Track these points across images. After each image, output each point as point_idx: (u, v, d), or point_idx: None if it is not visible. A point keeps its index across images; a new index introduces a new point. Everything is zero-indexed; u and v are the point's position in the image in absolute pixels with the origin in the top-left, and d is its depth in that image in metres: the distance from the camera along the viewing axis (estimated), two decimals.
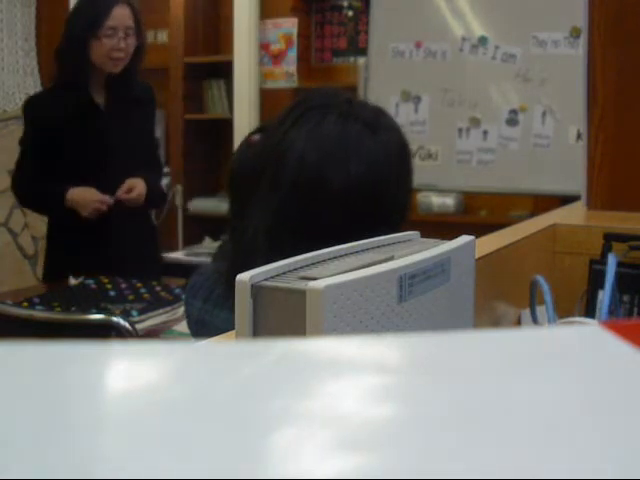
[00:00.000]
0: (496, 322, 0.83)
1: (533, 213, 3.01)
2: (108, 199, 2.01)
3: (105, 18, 2.00)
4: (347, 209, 0.89)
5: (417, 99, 2.92)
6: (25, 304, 1.71)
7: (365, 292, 0.41)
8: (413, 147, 2.93)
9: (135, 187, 2.03)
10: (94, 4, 2.05)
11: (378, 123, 0.95)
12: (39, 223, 2.79)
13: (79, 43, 2.00)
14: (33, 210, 2.32)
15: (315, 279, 0.40)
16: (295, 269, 0.44)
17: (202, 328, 1.00)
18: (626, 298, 0.88)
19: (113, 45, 2.01)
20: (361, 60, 3.49)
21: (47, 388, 0.17)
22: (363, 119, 0.93)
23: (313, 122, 0.91)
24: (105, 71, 2.04)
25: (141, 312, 1.69)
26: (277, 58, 4.23)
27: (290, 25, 4.19)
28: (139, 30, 2.09)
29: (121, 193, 2.02)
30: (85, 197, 2.01)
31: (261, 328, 0.42)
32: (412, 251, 0.48)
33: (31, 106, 2.12)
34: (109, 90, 2.08)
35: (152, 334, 1.64)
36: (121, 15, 2.03)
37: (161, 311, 1.72)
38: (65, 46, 2.05)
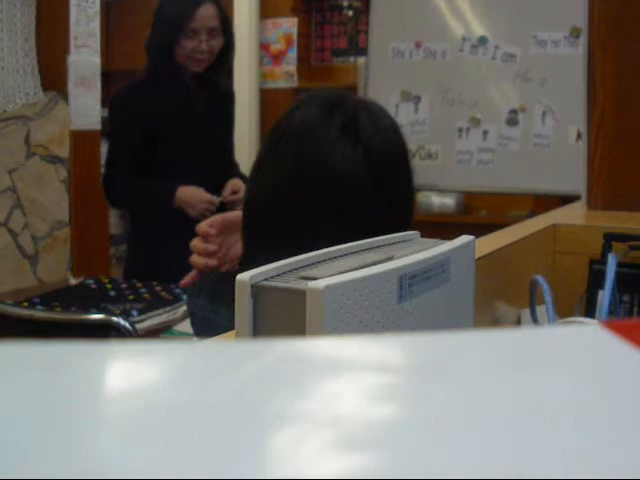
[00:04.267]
0: (496, 322, 0.83)
1: (533, 213, 3.01)
2: (215, 200, 1.93)
3: (187, 21, 1.92)
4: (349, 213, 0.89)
5: (417, 99, 2.92)
6: (25, 304, 1.71)
7: (365, 292, 0.41)
8: (413, 147, 2.93)
9: (239, 189, 1.94)
10: (177, 4, 1.97)
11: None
12: (39, 223, 2.79)
13: (162, 45, 1.96)
14: (129, 208, 2.20)
15: (315, 279, 0.40)
16: (295, 269, 0.44)
17: (207, 326, 1.00)
18: (626, 298, 0.88)
19: (194, 47, 1.94)
20: (361, 60, 3.49)
21: (47, 388, 0.17)
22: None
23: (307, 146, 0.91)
24: (190, 70, 1.99)
25: (141, 312, 1.69)
26: (277, 58, 4.23)
27: (290, 25, 4.19)
28: (226, 29, 2.01)
29: (227, 194, 1.95)
30: (195, 196, 1.93)
31: (261, 328, 0.42)
32: (412, 251, 0.48)
33: (127, 98, 2.05)
34: (196, 87, 2.03)
35: (152, 334, 1.64)
36: (205, 16, 1.94)
37: (161, 311, 1.72)
38: (151, 46, 2.00)
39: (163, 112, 1.99)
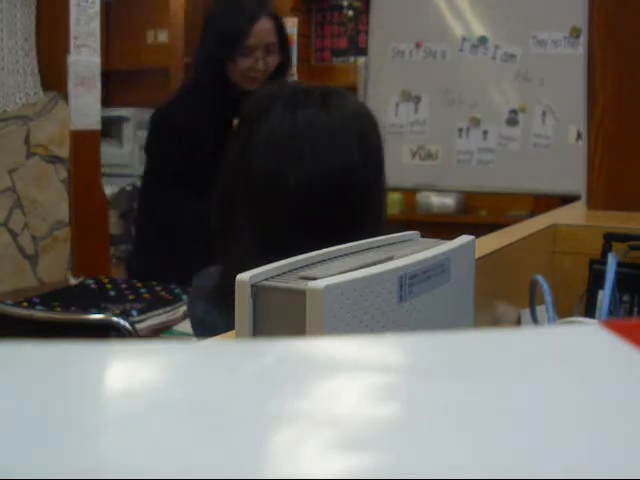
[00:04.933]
0: (496, 322, 0.83)
1: (533, 213, 3.01)
2: None
3: (243, 37, 1.75)
4: (326, 201, 0.89)
5: (417, 99, 2.92)
6: (25, 304, 1.71)
7: (365, 292, 0.41)
8: (413, 147, 2.93)
9: None
10: (232, 18, 1.77)
11: (329, 102, 0.94)
12: (39, 223, 2.79)
13: (214, 63, 1.78)
14: (168, 224, 2.04)
15: (315, 279, 0.40)
16: (295, 269, 0.44)
17: (204, 329, 1.00)
18: (626, 298, 0.88)
19: (251, 65, 1.77)
20: (361, 60, 3.49)
21: (47, 388, 0.17)
22: (312, 104, 0.93)
23: (264, 132, 0.92)
24: (242, 88, 1.82)
25: (141, 312, 1.69)
26: None
27: (290, 25, 4.19)
28: (283, 44, 1.82)
29: None
30: None
31: (261, 328, 0.42)
32: (412, 251, 0.48)
33: (172, 114, 1.88)
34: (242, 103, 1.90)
35: (152, 334, 1.64)
36: (262, 31, 1.76)
37: (161, 311, 1.72)
38: (200, 61, 1.85)
39: (207, 129, 1.86)
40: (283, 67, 1.85)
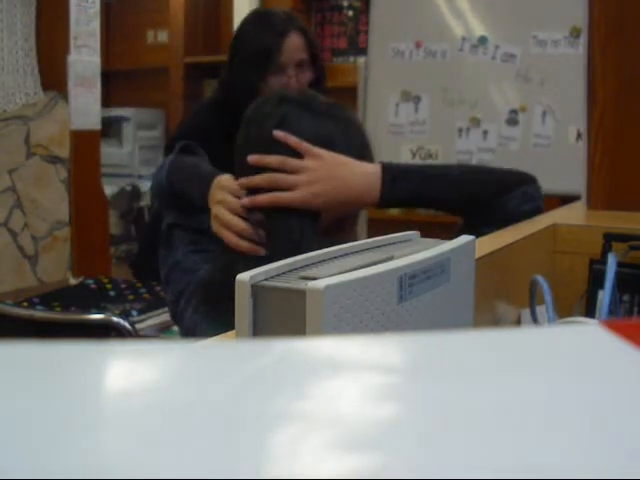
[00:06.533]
0: (496, 322, 0.83)
1: None
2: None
3: (273, 55, 1.65)
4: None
5: (417, 99, 2.92)
6: (25, 304, 1.71)
7: (365, 292, 0.41)
8: (413, 147, 2.93)
9: None
10: (261, 35, 1.67)
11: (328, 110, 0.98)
12: (39, 223, 2.79)
13: (245, 83, 1.67)
14: None
15: (315, 279, 0.40)
16: (295, 269, 0.44)
17: (190, 335, 1.00)
18: (626, 298, 0.88)
19: (282, 84, 1.66)
20: (361, 60, 3.49)
21: (47, 388, 0.17)
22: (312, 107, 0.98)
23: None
24: None
25: (141, 312, 1.69)
26: None
27: None
28: (315, 60, 1.72)
29: None
30: None
31: (261, 328, 0.42)
32: (412, 251, 0.48)
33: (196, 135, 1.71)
34: None
35: (152, 334, 1.64)
36: (292, 47, 1.66)
37: (161, 311, 1.72)
38: (231, 83, 1.72)
39: (222, 149, 1.78)
40: (316, 84, 1.74)
